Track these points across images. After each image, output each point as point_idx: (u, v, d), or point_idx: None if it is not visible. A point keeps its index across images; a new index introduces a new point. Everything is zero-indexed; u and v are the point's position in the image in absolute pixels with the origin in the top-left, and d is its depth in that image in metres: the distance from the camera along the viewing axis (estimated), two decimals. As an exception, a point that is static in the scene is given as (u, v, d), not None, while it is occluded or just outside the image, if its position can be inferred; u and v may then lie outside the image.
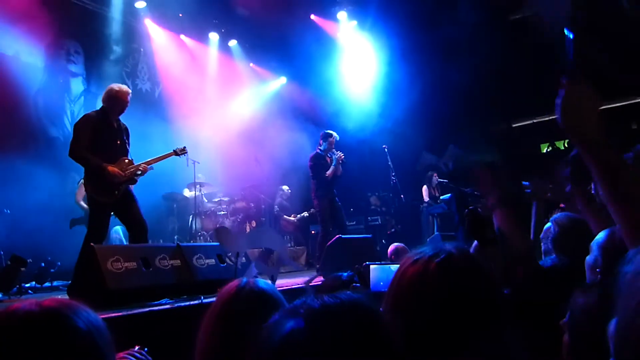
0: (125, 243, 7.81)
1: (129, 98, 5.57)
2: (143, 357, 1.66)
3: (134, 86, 10.69)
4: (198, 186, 9.60)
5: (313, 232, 10.81)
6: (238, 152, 11.16)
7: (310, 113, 11.83)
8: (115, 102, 5.49)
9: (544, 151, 12.99)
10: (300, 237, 10.67)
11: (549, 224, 2.99)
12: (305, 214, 10.76)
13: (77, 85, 9.62)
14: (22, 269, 6.53)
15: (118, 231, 8.44)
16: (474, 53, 11.27)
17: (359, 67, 12.66)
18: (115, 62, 10.04)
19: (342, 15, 12.13)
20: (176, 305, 4.03)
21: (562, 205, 3.71)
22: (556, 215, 3.04)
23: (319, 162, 8.07)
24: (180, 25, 11.13)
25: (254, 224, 10.12)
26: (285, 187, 11.00)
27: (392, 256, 6.39)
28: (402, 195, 9.59)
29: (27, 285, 7.07)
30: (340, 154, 8.03)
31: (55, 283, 7.51)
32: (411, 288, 1.27)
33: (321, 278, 6.63)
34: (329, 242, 7.14)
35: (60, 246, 7.53)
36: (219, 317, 1.58)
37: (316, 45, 12.22)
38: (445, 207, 10.04)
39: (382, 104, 12.08)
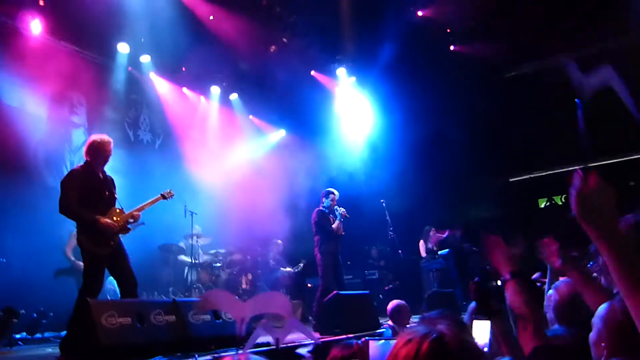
0: (119, 294, 7.73)
1: (111, 147, 5.60)
2: None
3: (136, 137, 10.84)
4: (195, 237, 9.59)
5: (309, 285, 10.72)
6: (236, 204, 11.20)
7: (308, 165, 11.93)
8: (98, 154, 5.52)
9: (542, 206, 13.06)
10: (296, 291, 10.56)
11: (551, 291, 2.96)
12: (301, 265, 10.69)
13: (78, 136, 9.74)
14: (15, 320, 6.46)
15: (112, 282, 8.34)
16: (470, 109, 11.54)
17: (358, 122, 12.88)
18: (117, 113, 10.21)
19: (341, 71, 12.42)
20: (170, 364, 3.97)
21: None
22: (559, 281, 3.00)
23: (323, 218, 8.16)
24: (183, 79, 11.38)
25: (249, 276, 10.05)
26: (279, 241, 10.99)
27: (392, 315, 6.31)
28: (400, 251, 9.57)
29: (18, 336, 6.98)
30: (343, 210, 8.13)
31: (46, 334, 7.40)
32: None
33: (317, 335, 6.56)
34: (326, 298, 7.08)
35: (54, 296, 7.47)
36: None
37: (315, 100, 12.49)
38: (443, 263, 10.01)
39: (379, 158, 12.23)
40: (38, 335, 7.32)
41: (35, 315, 7.29)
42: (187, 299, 7.45)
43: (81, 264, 5.74)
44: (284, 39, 11.15)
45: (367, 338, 3.10)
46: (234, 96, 12.48)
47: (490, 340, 2.33)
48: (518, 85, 11.82)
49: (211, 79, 11.83)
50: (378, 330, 6.84)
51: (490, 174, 12.41)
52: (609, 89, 9.51)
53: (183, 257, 9.77)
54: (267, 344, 5.10)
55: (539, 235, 2.83)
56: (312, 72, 12.47)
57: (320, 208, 8.28)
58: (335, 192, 8.30)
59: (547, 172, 12.49)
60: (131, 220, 5.60)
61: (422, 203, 12.25)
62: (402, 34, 11.17)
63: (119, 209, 5.57)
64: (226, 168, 11.48)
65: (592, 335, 1.98)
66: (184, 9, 9.51)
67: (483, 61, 11.42)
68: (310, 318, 9.07)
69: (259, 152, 12.86)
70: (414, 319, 6.59)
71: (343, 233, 8.24)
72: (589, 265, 3.21)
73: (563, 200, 12.12)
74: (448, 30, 11.76)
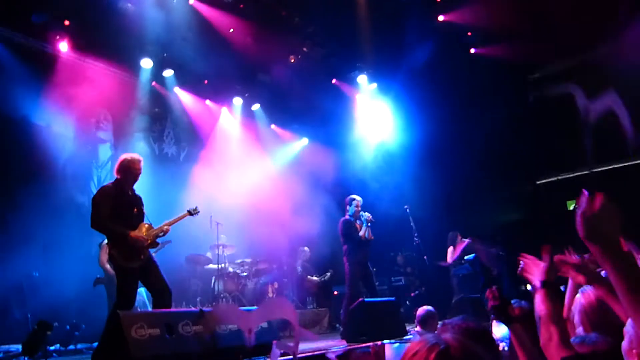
0: (148, 304, 7.89)
1: (141, 166, 5.75)
2: None
3: (160, 150, 11.06)
4: (221, 247, 9.72)
5: (336, 292, 10.76)
6: (261, 213, 11.32)
7: (331, 173, 12.02)
8: (128, 172, 5.68)
9: (571, 208, 12.87)
10: (322, 298, 10.61)
11: (578, 295, 2.96)
12: (328, 274, 10.76)
13: (104, 152, 9.99)
14: (49, 333, 6.65)
15: (141, 293, 8.52)
16: (495, 112, 11.46)
17: (380, 129, 12.92)
18: (143, 128, 10.43)
19: (362, 78, 12.48)
20: (199, 373, 4.05)
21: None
22: (586, 286, 3.02)
23: (349, 227, 8.14)
24: (205, 91, 11.57)
25: (276, 285, 10.12)
26: (306, 248, 11.07)
27: (421, 322, 6.31)
28: (425, 257, 9.54)
29: (52, 348, 7.17)
30: (368, 215, 8.12)
31: (79, 346, 7.58)
32: None
33: (344, 342, 6.61)
34: (352, 306, 7.11)
35: (85, 309, 7.67)
36: None
37: (337, 108, 12.58)
38: (469, 268, 9.95)
39: (403, 164, 12.24)
40: (71, 347, 7.51)
41: (68, 327, 7.47)
42: (215, 309, 7.54)
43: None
44: (304, 49, 11.26)
45: (382, 342, 3.15)
46: (256, 107, 12.64)
47: (508, 343, 2.36)
48: (543, 86, 11.70)
49: (233, 91, 12.00)
50: (405, 337, 6.85)
51: (517, 177, 12.30)
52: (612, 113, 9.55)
53: (210, 266, 9.89)
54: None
55: (567, 239, 2.83)
56: (333, 81, 12.55)
57: (346, 217, 8.24)
58: (358, 197, 8.26)
59: (575, 174, 12.30)
60: (160, 234, 5.74)
61: (448, 209, 12.21)
62: (422, 39, 11.19)
63: (147, 224, 5.71)
64: (250, 178, 11.61)
65: (624, 344, 1.99)
66: (205, 22, 9.68)
67: (506, 63, 11.34)
68: (338, 325, 9.12)
69: (282, 161, 12.99)
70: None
71: (372, 237, 8.19)
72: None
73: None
74: (469, 34, 11.72)
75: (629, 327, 1.96)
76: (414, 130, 12.14)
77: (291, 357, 4.83)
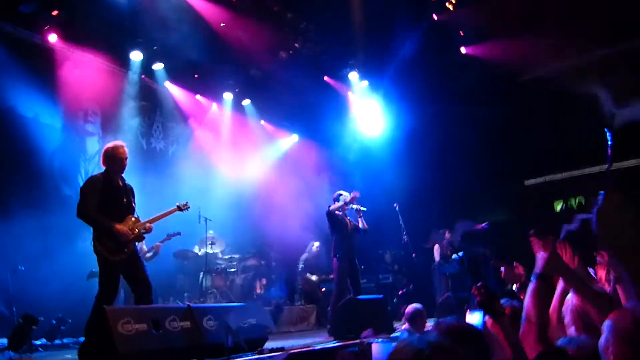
0: (122, 300, 7.83)
1: (124, 151, 5.67)
2: None
3: (149, 145, 10.98)
4: (209, 243, 9.69)
5: (323, 289, 10.77)
6: (250, 209, 11.31)
7: (321, 170, 12.02)
8: (113, 161, 5.62)
9: (558, 209, 12.96)
10: (311, 295, 10.60)
11: (569, 295, 2.98)
12: (331, 276, 10.59)
13: (92, 145, 9.90)
14: (34, 327, 6.59)
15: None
16: (484, 113, 11.50)
17: (370, 126, 12.93)
18: (131, 122, 10.34)
19: (353, 75, 12.47)
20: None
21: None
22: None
23: (334, 218, 8.07)
24: (196, 86, 11.50)
25: (264, 281, 10.13)
26: (316, 243, 10.98)
27: (409, 320, 6.32)
28: (413, 255, 9.57)
29: (38, 342, 7.10)
30: (357, 206, 8.06)
31: (65, 340, 7.52)
32: None
33: (332, 339, 6.62)
34: (340, 303, 7.12)
35: (72, 303, 7.58)
36: None
37: (328, 105, 12.56)
38: (457, 267, 10.00)
39: (392, 162, 12.27)
40: (57, 341, 7.44)
41: (54, 321, 7.41)
42: (202, 304, 7.52)
43: None
44: (296, 45, 11.21)
45: (370, 341, 3.16)
46: (246, 102, 12.58)
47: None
48: (533, 88, 11.74)
49: (224, 86, 11.93)
50: (393, 335, 6.87)
51: (505, 177, 12.36)
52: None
53: (198, 261, 9.83)
54: (281, 348, 5.17)
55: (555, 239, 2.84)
56: (325, 77, 12.53)
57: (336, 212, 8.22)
58: (346, 193, 8.20)
59: (563, 175, 12.38)
60: (143, 231, 5.70)
61: (436, 207, 12.25)
62: (414, 37, 11.20)
63: (135, 217, 5.67)
64: (240, 174, 11.59)
65: (601, 341, 2.01)
66: (196, 16, 9.61)
67: (497, 65, 11.38)
68: (326, 324, 9.11)
69: (272, 158, 12.97)
70: (430, 322, 6.60)
71: (367, 227, 8.16)
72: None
73: (578, 202, 12.03)
74: (461, 33, 11.74)
75: (605, 326, 1.98)
76: (404, 128, 12.17)
77: (279, 353, 4.84)
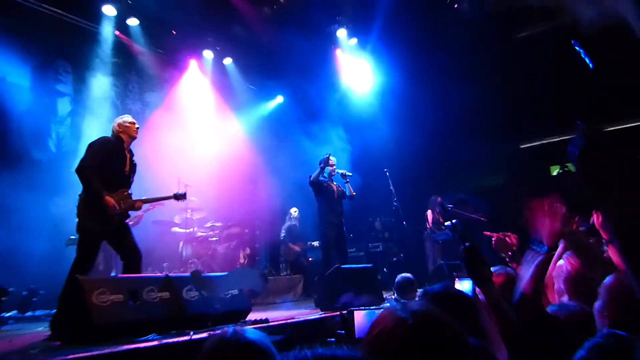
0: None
1: (137, 130, 5.85)
2: None
3: (124, 106, 10.76)
4: (190, 211, 9.63)
5: (310, 259, 10.80)
6: (233, 175, 11.22)
7: (308, 132, 11.91)
8: (127, 133, 5.77)
9: (554, 173, 13.00)
10: (297, 265, 10.64)
11: (561, 261, 2.98)
12: (315, 243, 10.64)
13: (64, 106, 9.69)
14: (3, 298, 6.54)
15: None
16: (479, 72, 11.39)
17: (359, 86, 12.79)
18: (105, 82, 10.11)
19: (341, 33, 12.27)
20: (164, 342, 4.01)
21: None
22: (569, 252, 3.00)
23: (318, 184, 8.11)
24: (174, 43, 11.25)
25: (248, 251, 10.12)
26: (293, 210, 10.97)
27: (398, 289, 6.37)
28: (404, 222, 9.59)
29: (8, 314, 7.06)
30: (343, 170, 8.04)
31: (37, 312, 7.49)
32: (384, 345, 1.37)
33: (318, 310, 6.63)
34: (327, 272, 7.13)
35: (44, 272, 7.53)
36: None
37: (315, 64, 12.37)
38: (450, 234, 10.06)
39: (382, 123, 12.18)
40: (29, 313, 7.41)
41: (25, 293, 7.36)
42: (182, 274, 7.51)
43: None
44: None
45: (352, 308, 3.15)
46: (227, 61, 12.37)
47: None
48: (529, 46, 11.61)
49: (203, 43, 11.70)
50: (382, 305, 6.91)
51: (500, 140, 12.34)
52: None
53: (178, 230, 9.80)
54: (266, 320, 5.17)
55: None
56: (311, 35, 12.30)
57: (320, 178, 8.20)
58: (330, 157, 8.19)
59: (560, 138, 12.37)
60: (135, 208, 5.78)
61: (428, 171, 12.24)
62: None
63: (127, 192, 5.73)
64: (221, 137, 11.48)
65: (596, 305, 2.03)
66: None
67: (492, 21, 11.21)
68: (312, 294, 9.16)
69: (256, 119, 12.85)
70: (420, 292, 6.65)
71: (354, 193, 8.17)
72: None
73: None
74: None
75: (602, 290, 2.01)
76: (395, 88, 12.05)
77: (263, 325, 4.84)
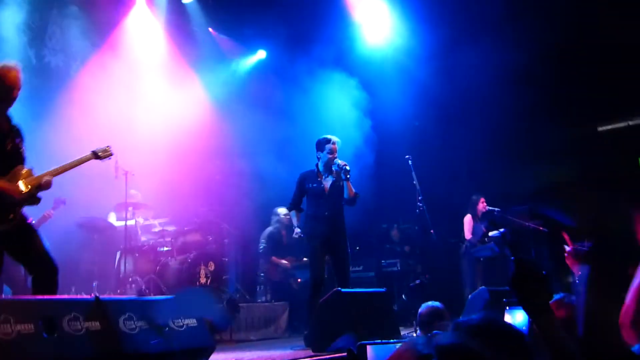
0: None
1: (17, 77, 5.56)
2: None
3: (40, 59, 10.73)
4: (131, 209, 9.62)
5: (299, 280, 10.81)
6: (193, 159, 11.21)
7: (300, 103, 11.89)
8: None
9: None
10: (280, 288, 10.64)
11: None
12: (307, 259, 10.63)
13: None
14: None
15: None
16: (542, 30, 11.31)
17: (372, 41, 12.78)
18: (14, 25, 10.06)
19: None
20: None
21: None
22: None
23: (300, 181, 8.27)
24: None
25: (211, 266, 10.10)
26: (281, 211, 10.96)
27: (422, 324, 6.36)
28: (432, 231, 9.59)
29: None
30: (343, 162, 8.05)
31: None
32: None
33: (309, 352, 6.65)
34: (323, 298, 7.14)
35: None
36: None
37: (311, 7, 12.33)
38: (496, 249, 10.07)
39: (403, 94, 12.15)
40: None
41: None
42: (119, 297, 7.50)
43: None
44: None
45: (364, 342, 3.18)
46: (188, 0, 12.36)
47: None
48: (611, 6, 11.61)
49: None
50: (402, 339, 6.94)
51: (571, 121, 12.36)
52: None
53: (115, 234, 9.79)
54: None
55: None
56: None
57: (313, 169, 8.26)
58: (335, 138, 8.17)
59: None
60: (41, 188, 5.64)
61: (469, 161, 12.24)
62: None
63: (25, 169, 5.61)
64: (177, 106, 11.45)
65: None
66: None
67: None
68: (302, 329, 9.17)
69: (227, 84, 12.82)
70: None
71: (356, 194, 8.17)
72: None
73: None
74: None
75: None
76: (423, 40, 12.00)
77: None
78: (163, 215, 10.65)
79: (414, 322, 6.82)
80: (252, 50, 13.41)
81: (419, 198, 9.30)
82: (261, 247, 10.86)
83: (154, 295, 8.77)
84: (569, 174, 11.55)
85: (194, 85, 12.28)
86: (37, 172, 5.67)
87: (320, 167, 8.17)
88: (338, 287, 7.55)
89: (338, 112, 11.66)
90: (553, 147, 11.83)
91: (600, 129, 13.12)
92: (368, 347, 3.34)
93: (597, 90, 11.92)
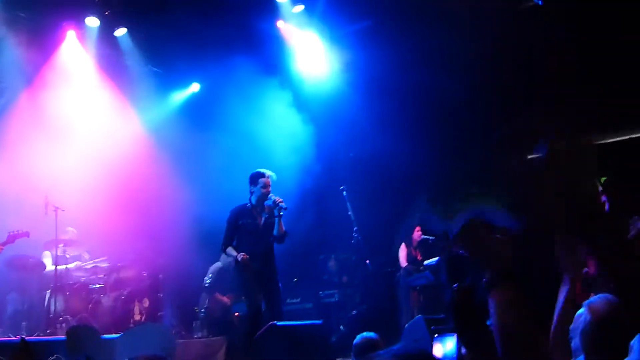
0: None
1: None
2: None
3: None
4: (61, 246, 9.47)
5: (237, 314, 10.75)
6: (128, 193, 11.11)
7: (233, 135, 11.88)
8: None
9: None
10: (217, 323, 10.57)
11: (582, 310, 3.08)
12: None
13: None
14: None
15: None
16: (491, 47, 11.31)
17: (308, 68, 12.86)
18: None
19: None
20: None
21: None
22: (595, 298, 3.13)
23: (232, 216, 8.32)
24: (44, 5, 11.10)
25: (146, 302, 10.01)
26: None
27: (357, 355, 6.38)
28: (367, 261, 9.66)
29: None
30: (279, 199, 8.07)
31: None
32: None
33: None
34: (259, 333, 7.13)
35: None
36: None
37: (246, 39, 12.37)
38: (431, 278, 10.15)
39: (340, 123, 12.21)
40: None
41: None
42: (47, 337, 7.36)
43: None
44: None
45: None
46: (121, 32, 12.28)
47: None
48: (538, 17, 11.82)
49: (86, 6, 11.60)
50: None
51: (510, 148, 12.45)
52: None
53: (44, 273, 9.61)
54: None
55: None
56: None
57: (246, 203, 8.29)
58: (269, 172, 8.26)
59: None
60: None
61: (407, 190, 12.31)
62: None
63: None
64: (109, 141, 11.36)
65: None
66: None
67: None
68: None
69: (161, 116, 12.77)
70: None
71: (286, 232, 8.19)
72: None
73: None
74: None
75: (634, 344, 2.09)
76: (361, 71, 12.05)
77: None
78: (98, 252, 10.51)
79: (351, 353, 6.83)
80: (186, 83, 13.36)
81: (354, 229, 9.37)
82: (207, 281, 10.76)
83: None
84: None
85: (128, 118, 12.19)
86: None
87: (254, 201, 8.19)
88: (274, 321, 7.56)
89: (276, 143, 11.71)
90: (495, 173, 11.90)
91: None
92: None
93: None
